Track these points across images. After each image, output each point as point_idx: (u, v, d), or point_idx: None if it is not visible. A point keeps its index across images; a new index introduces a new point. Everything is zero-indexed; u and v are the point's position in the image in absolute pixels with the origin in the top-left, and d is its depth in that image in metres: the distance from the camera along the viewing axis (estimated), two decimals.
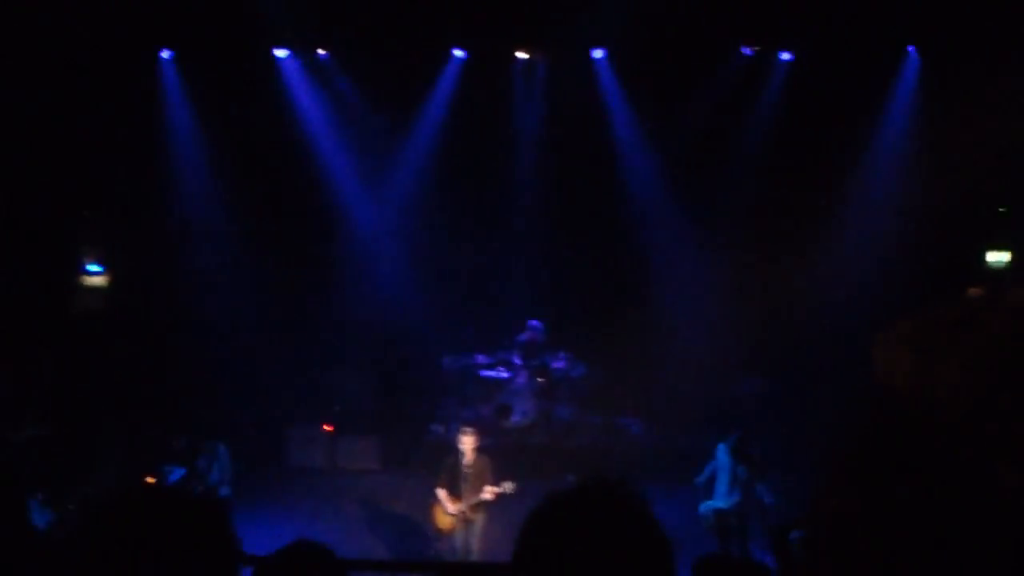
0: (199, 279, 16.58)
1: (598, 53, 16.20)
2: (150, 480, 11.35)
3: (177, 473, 11.91)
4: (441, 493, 11.22)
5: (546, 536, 1.99)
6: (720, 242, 16.62)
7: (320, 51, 16.13)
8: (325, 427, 16.33)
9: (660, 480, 11.02)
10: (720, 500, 11.28)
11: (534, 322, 16.91)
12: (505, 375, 16.91)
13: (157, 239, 16.34)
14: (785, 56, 16.03)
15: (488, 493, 10.88)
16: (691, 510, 11.35)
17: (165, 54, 15.77)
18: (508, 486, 10.75)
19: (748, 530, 11.04)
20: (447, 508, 11.15)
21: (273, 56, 16.08)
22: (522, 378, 16.89)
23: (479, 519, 11.15)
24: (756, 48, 15.79)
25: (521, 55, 16.25)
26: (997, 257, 16.09)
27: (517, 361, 17.01)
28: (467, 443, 11.05)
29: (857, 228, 15.93)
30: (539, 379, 16.74)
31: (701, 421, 14.90)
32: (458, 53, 16.24)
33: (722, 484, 11.31)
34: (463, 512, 11.04)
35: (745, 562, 4.18)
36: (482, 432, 12.00)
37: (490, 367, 16.93)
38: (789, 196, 15.61)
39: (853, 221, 15.99)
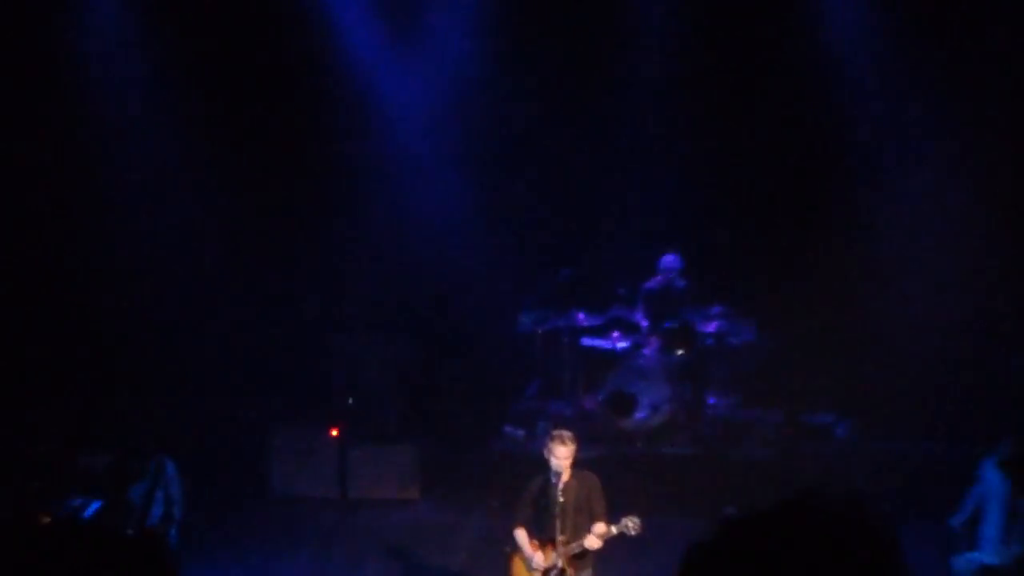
0: (127, 196, 16.65)
1: None
2: (44, 518, 11.30)
3: (92, 508, 12.19)
4: (521, 536, 11.28)
5: None
6: (974, 152, 16.39)
7: None
8: (331, 432, 16.29)
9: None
10: (988, 551, 11.07)
11: (669, 258, 16.74)
12: (623, 344, 16.75)
13: (51, 127, 16.29)
14: None
15: (597, 536, 10.89)
16: (938, 562, 11.22)
17: None
18: (631, 524, 10.77)
19: None
20: (531, 561, 11.18)
21: None
22: (651, 348, 16.67)
23: None
24: None
25: None
26: None
27: (643, 321, 16.81)
28: (562, 455, 11.02)
29: None
30: (679, 349, 16.52)
31: (949, 420, 15.05)
32: None
33: (992, 524, 11.13)
34: (557, 567, 11.05)
35: None
36: (587, 437, 12.34)
37: (599, 332, 16.84)
38: None
39: None
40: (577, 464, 11.30)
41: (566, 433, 11.30)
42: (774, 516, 2.14)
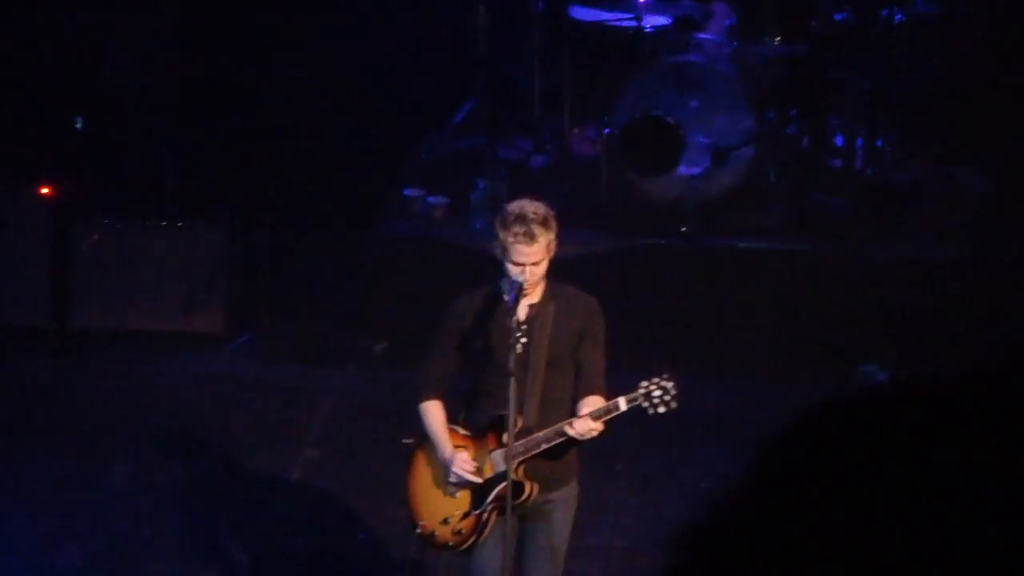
0: None
1: None
2: None
3: None
4: (434, 416, 8.73)
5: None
6: None
7: None
8: (40, 190, 13.73)
9: None
10: None
11: None
12: (657, 19, 13.39)
13: None
14: None
15: (589, 418, 8.14)
16: None
17: None
18: (658, 393, 8.16)
19: None
20: (450, 464, 8.74)
21: None
22: (716, 28, 13.44)
23: (555, 505, 8.57)
24: None
25: None
26: None
27: None
28: (525, 252, 8.30)
29: None
30: (776, 35, 13.59)
31: None
32: None
33: None
34: (503, 480, 8.51)
35: None
36: (577, 214, 11.79)
37: None
38: None
39: None
40: (557, 273, 8.69)
41: (534, 206, 8.38)
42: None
